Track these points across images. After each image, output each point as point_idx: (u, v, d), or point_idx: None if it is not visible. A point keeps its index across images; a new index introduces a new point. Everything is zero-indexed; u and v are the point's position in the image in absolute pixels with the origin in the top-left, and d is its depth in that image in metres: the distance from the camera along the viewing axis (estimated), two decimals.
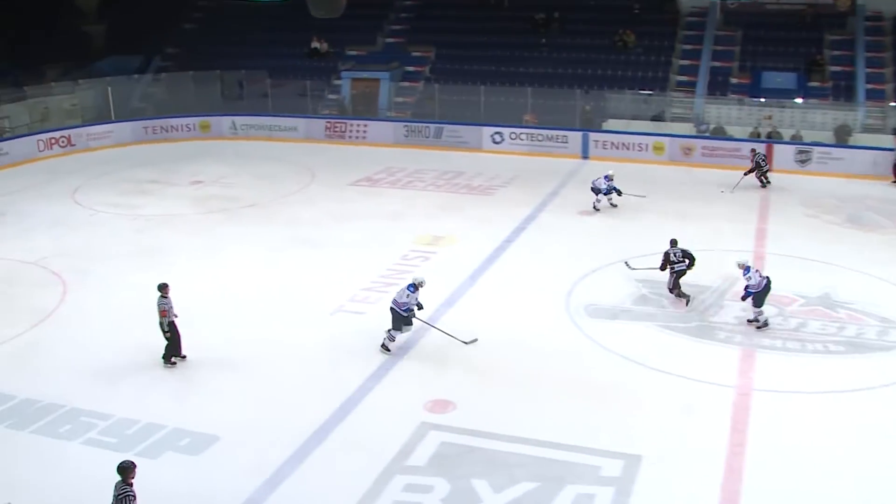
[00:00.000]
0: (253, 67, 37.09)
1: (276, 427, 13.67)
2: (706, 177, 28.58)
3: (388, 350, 16.03)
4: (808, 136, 30.33)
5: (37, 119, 34.99)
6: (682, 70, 34.30)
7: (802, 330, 16.80)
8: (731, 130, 31.35)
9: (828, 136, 30.33)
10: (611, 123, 32.43)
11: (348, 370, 15.39)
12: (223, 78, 37.18)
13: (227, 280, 20.04)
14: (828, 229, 23.38)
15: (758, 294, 16.63)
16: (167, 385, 15.19)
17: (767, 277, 16.71)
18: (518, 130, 32.33)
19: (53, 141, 33.49)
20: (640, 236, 22.32)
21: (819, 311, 17.62)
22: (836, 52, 33.40)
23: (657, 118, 32.37)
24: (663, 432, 13.33)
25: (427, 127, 33.65)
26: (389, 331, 15.98)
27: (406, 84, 36.90)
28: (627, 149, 30.68)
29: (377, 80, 36.39)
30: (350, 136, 34.63)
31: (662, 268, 18.43)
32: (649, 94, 33.04)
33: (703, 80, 33.49)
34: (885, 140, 28.96)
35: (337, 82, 37.38)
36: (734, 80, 33.47)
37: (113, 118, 35.63)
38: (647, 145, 30.77)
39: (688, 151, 30.38)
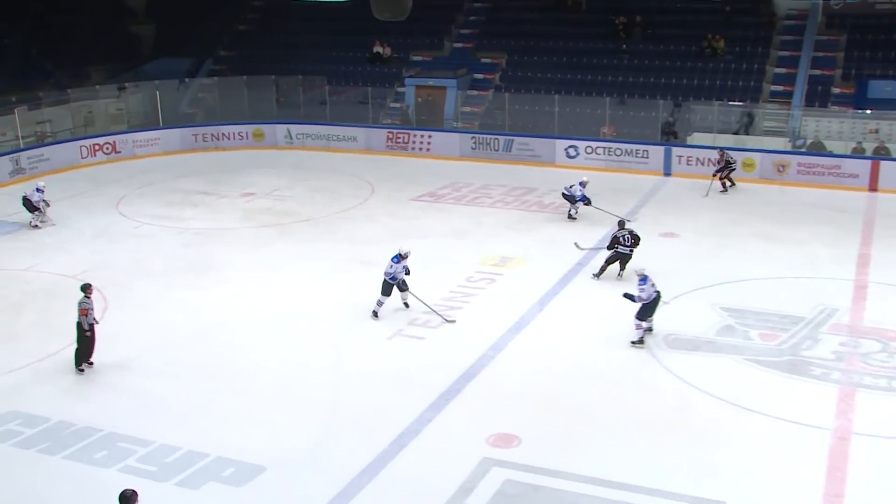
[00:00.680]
0: (310, 72, 37.68)
1: (327, 459, 13.79)
2: (802, 196, 28.20)
3: (377, 316, 18.91)
4: None
5: (80, 124, 35.98)
6: (777, 79, 33.91)
7: None
8: (831, 146, 30.84)
9: None
10: (696, 137, 32.18)
11: (406, 399, 15.48)
12: (279, 83, 37.79)
13: (279, 300, 20.34)
14: None
15: (645, 306, 17.30)
16: (211, 410, 15.42)
17: (658, 292, 17.31)
18: (594, 144, 32.25)
19: (97, 147, 34.38)
20: (725, 261, 22.13)
21: None
22: None
23: (743, 132, 32.00)
24: (750, 477, 13.12)
25: (496, 139, 33.75)
26: (378, 298, 18.90)
27: (474, 92, 37.10)
28: (714, 165, 30.40)
29: (443, 87, 36.64)
30: (413, 148, 34.91)
31: (609, 247, 20.71)
32: (739, 106, 32.71)
33: (800, 90, 33.06)
34: None
35: (400, 90, 37.74)
36: (836, 90, 32.97)
37: (161, 124, 36.48)
38: (735, 161, 30.37)
39: (781, 168, 30.00)
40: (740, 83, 33.92)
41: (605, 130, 33.11)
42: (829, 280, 19.64)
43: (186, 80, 39.97)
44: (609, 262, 20.80)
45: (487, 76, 37.58)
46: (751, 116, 32.47)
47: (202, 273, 22.10)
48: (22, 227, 26.07)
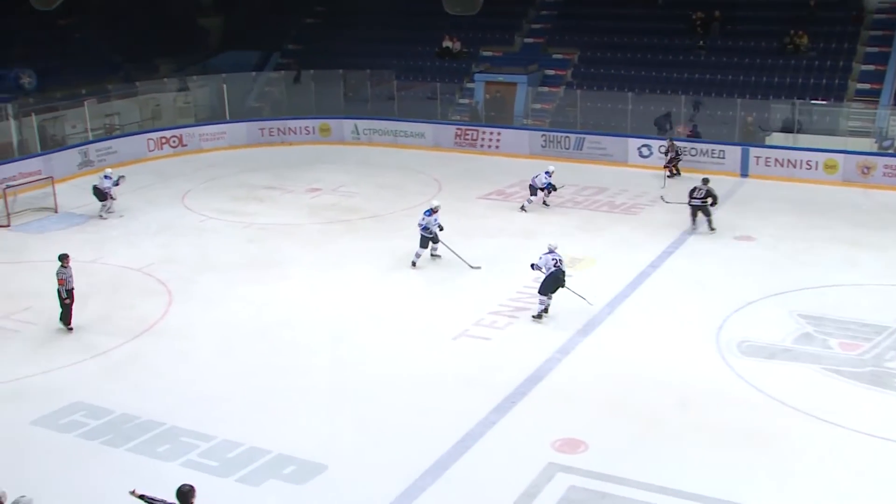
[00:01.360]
0: (379, 67, 37.90)
1: (389, 459, 13.90)
2: (887, 200, 27.65)
3: (415, 265, 21.90)
4: None
5: (147, 117, 36.68)
6: (864, 77, 33.22)
7: None
8: None
9: None
10: (775, 138, 31.70)
11: (470, 401, 15.52)
12: (346, 78, 38.09)
13: (344, 297, 20.55)
14: None
15: (546, 281, 18.55)
16: (273, 407, 15.63)
17: (563, 271, 18.61)
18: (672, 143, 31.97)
19: (164, 140, 35.06)
20: (804, 267, 21.79)
21: None
22: None
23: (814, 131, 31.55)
24: (827, 492, 12.92)
25: (567, 137, 33.62)
26: (416, 251, 21.96)
27: (545, 89, 36.99)
28: (794, 166, 29.94)
29: (513, 84, 36.58)
30: (481, 145, 34.94)
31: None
32: (823, 105, 32.14)
33: (889, 88, 32.29)
34: None
35: (469, 86, 37.79)
36: None
37: (227, 118, 37.02)
38: (817, 163, 29.94)
39: (866, 171, 29.43)
40: (824, 81, 33.29)
41: (679, 129, 32.81)
42: None
43: (253, 73, 40.47)
44: (693, 215, 24.35)
45: (559, 72, 37.43)
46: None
47: (266, 269, 22.39)
48: (89, 218, 26.71)
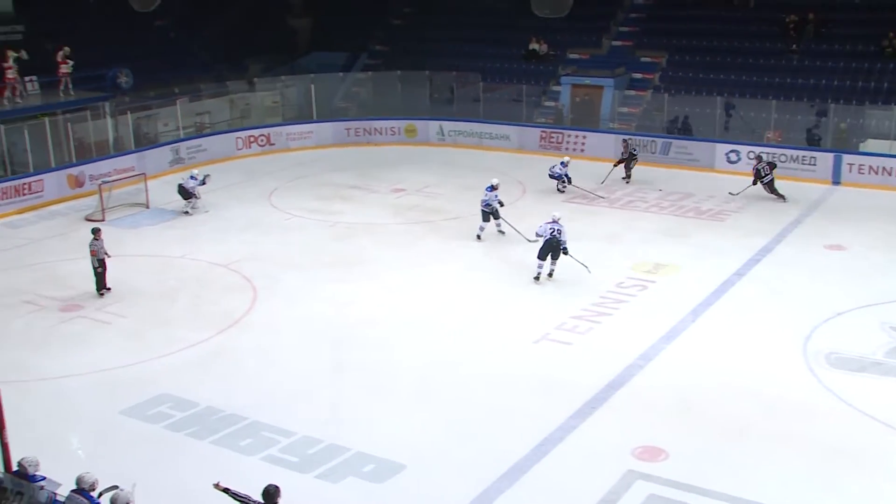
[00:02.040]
0: (465, 69, 37.98)
1: (468, 461, 13.94)
2: None
3: (479, 238, 24.21)
4: None
5: (237, 116, 37.33)
6: None
7: None
8: None
9: None
10: (871, 144, 30.90)
11: (550, 405, 15.50)
12: (432, 79, 38.27)
13: (426, 298, 20.69)
14: None
15: (542, 247, 20.97)
16: (354, 405, 15.81)
17: (557, 239, 20.77)
18: (758, 149, 31.39)
19: (252, 139, 35.65)
20: None
21: None
22: None
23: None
24: None
25: (653, 142, 33.30)
26: (480, 225, 24.21)
27: (632, 93, 36.68)
28: (889, 174, 29.19)
29: (600, 87, 36.31)
30: (566, 148, 34.73)
31: (754, 182, 27.45)
32: None
33: None
34: None
35: (555, 88, 37.65)
36: None
37: (314, 118, 37.47)
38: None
39: None
40: None
41: (769, 135, 32.21)
42: None
43: (341, 74, 40.88)
44: (773, 190, 27.50)
45: (647, 76, 37.07)
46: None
47: (349, 267, 22.63)
48: (179, 214, 27.30)
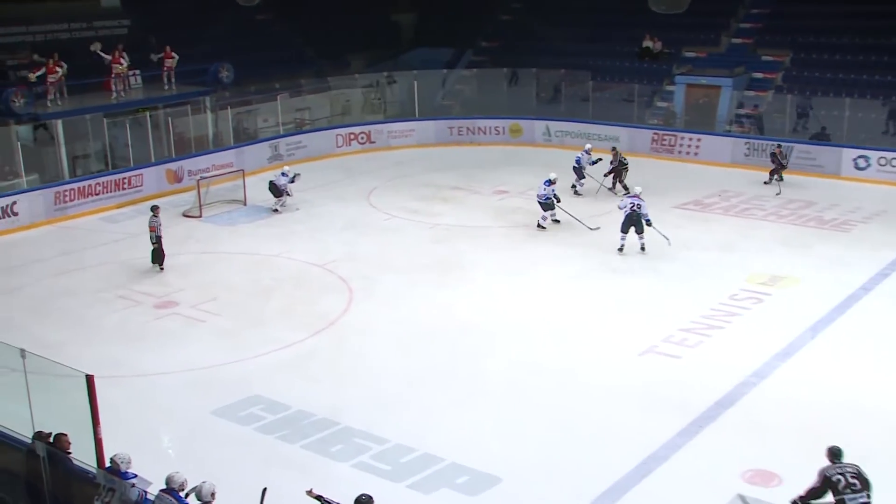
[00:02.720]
0: (574, 67, 37.74)
1: (566, 477, 13.80)
2: None
3: (539, 226, 25.69)
4: None
5: (337, 112, 37.79)
6: None
7: None
8: None
9: None
10: None
11: (656, 422, 15.25)
12: (540, 77, 38.13)
13: (527, 304, 20.57)
14: None
15: (624, 221, 23.20)
16: (449, 414, 15.79)
17: (638, 213, 23.00)
18: (890, 155, 30.47)
19: (353, 137, 36.06)
20: None
21: None
22: None
23: None
24: None
25: (773, 146, 32.57)
26: (542, 214, 25.64)
27: (751, 93, 35.95)
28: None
29: (717, 87, 35.75)
30: (679, 152, 34.31)
31: (778, 169, 30.02)
32: None
33: None
34: None
35: (669, 88, 37.18)
36: None
37: (416, 116, 37.69)
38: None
39: None
40: None
41: None
42: None
43: (445, 70, 41.02)
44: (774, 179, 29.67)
45: (768, 76, 36.29)
46: None
47: (448, 271, 22.67)
48: (275, 212, 27.71)
